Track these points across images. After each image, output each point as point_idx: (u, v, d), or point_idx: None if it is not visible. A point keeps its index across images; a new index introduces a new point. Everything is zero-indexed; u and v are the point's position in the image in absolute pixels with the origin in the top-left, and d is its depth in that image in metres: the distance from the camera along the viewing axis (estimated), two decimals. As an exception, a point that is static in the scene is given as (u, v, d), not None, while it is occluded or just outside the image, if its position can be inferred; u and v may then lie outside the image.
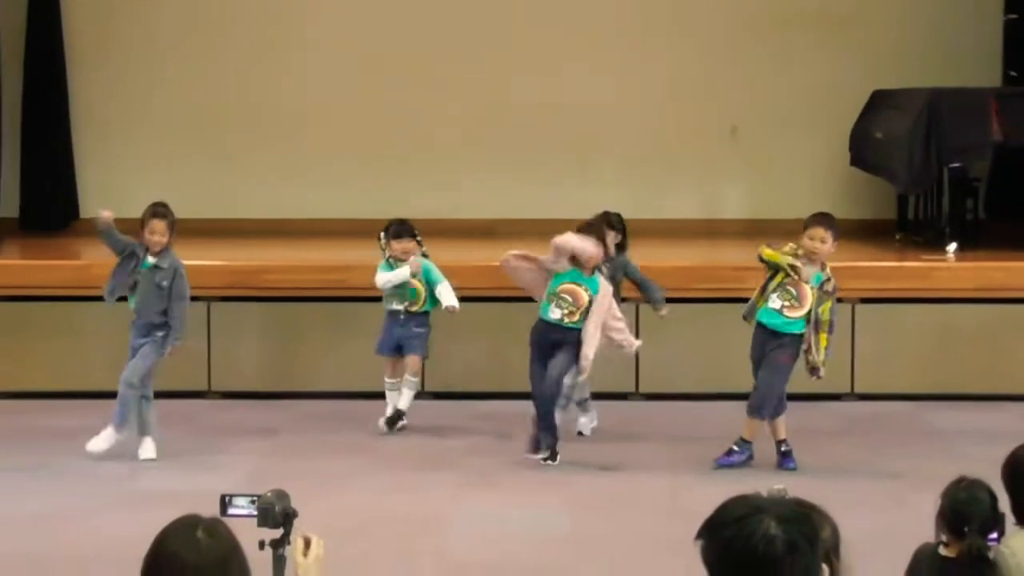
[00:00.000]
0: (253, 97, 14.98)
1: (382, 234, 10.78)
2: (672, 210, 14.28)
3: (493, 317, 11.56)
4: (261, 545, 4.31)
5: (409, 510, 8.62)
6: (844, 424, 10.70)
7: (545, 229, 14.10)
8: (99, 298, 11.50)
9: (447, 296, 10.49)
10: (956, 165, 12.95)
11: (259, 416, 10.95)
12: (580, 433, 10.32)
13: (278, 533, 4.50)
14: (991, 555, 4.75)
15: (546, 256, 9.63)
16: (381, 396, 10.97)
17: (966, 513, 4.79)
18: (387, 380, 10.69)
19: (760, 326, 9.39)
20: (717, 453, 9.58)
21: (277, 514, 4.54)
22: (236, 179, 14.86)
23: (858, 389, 11.32)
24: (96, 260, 12.49)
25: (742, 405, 10.40)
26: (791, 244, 9.43)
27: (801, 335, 9.25)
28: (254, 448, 9.77)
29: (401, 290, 10.56)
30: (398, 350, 10.62)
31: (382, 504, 8.77)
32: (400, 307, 10.58)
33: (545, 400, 9.45)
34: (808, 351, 9.24)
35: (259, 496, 4.56)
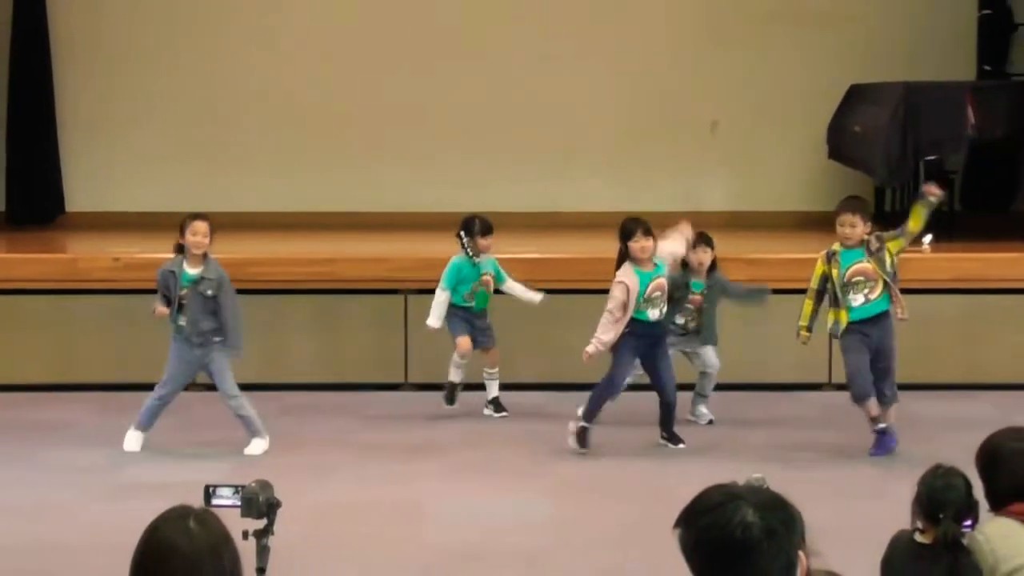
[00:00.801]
0: (238, 92, 15.01)
1: (461, 231, 10.75)
2: (653, 203, 14.32)
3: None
4: (245, 535, 4.30)
5: (392, 498, 8.68)
6: (822, 413, 10.77)
7: (527, 222, 14.28)
8: (87, 291, 11.61)
9: (528, 294, 10.72)
10: (932, 158, 13.03)
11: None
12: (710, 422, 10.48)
13: (262, 523, 4.53)
14: (965, 541, 4.80)
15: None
16: (364, 387, 11.05)
17: (941, 500, 4.83)
18: (460, 359, 10.70)
19: (855, 324, 9.46)
20: (700, 442, 9.71)
21: (261, 504, 4.55)
22: (221, 173, 14.89)
23: (836, 379, 11.38)
24: (82, 254, 12.57)
25: (725, 395, 10.53)
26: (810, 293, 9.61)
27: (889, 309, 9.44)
28: (239, 439, 9.83)
29: (479, 294, 10.67)
30: (471, 331, 10.71)
31: (366, 493, 8.82)
32: (471, 303, 10.67)
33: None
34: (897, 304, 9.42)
35: (243, 486, 4.58)
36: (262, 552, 4.52)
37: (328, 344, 11.64)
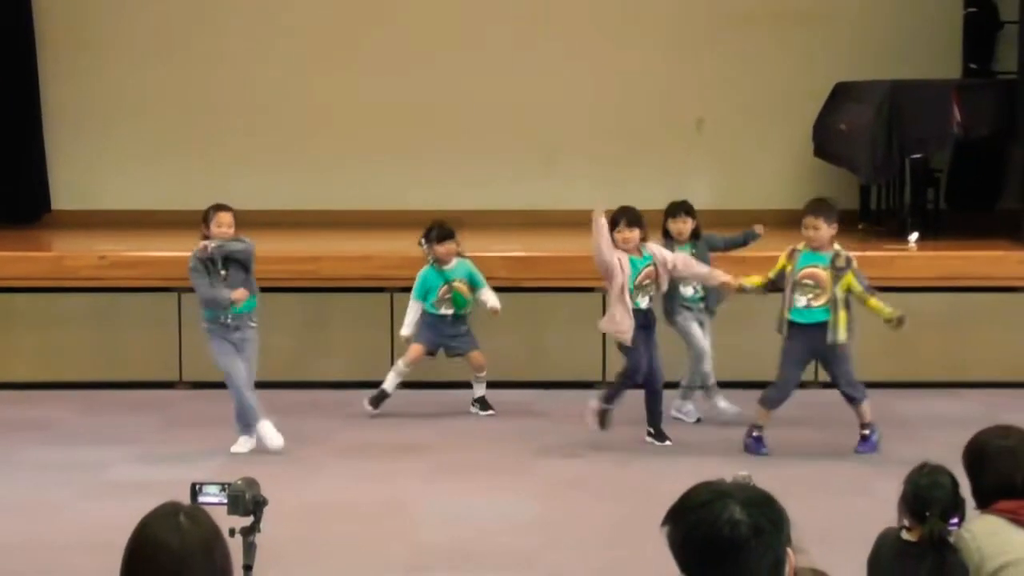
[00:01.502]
0: (224, 91, 14.99)
1: (422, 239, 10.79)
2: (639, 202, 14.24)
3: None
4: (232, 533, 4.27)
5: (378, 497, 8.69)
6: (808, 411, 10.78)
7: (514, 221, 14.28)
8: (73, 289, 11.61)
9: (492, 298, 10.68)
10: (917, 156, 13.07)
11: (230, 406, 10.98)
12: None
13: (248, 521, 4.54)
14: (952, 539, 4.83)
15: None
16: (351, 385, 11.05)
17: (928, 498, 4.85)
18: (402, 366, 10.72)
19: (793, 325, 9.49)
20: (686, 440, 9.73)
21: (247, 502, 4.56)
22: (206, 171, 14.86)
23: (822, 377, 11.42)
24: (69, 252, 12.55)
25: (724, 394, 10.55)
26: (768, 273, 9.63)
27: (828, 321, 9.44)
28: (225, 438, 9.83)
29: (457, 298, 10.66)
30: (437, 348, 10.73)
31: (352, 491, 8.84)
32: (449, 312, 10.67)
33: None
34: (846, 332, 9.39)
35: (229, 484, 4.59)
36: (248, 549, 4.54)
37: (313, 342, 11.63)
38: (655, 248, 9.87)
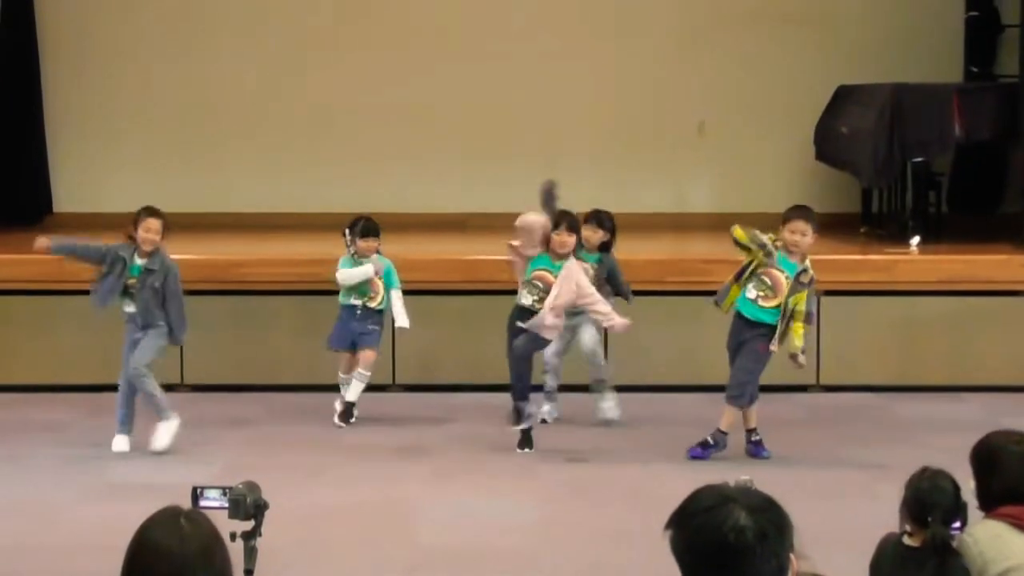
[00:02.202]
0: (226, 93, 15.01)
1: (347, 230, 10.80)
2: (641, 204, 14.35)
3: (465, 310, 11.65)
4: (233, 537, 4.20)
5: (379, 500, 8.69)
6: (809, 415, 10.79)
7: (514, 223, 14.24)
8: (74, 292, 11.57)
9: (400, 315, 10.58)
10: (919, 159, 13.08)
11: (231, 409, 11.00)
12: (545, 421, 10.43)
13: (249, 525, 4.52)
14: (954, 543, 4.82)
15: (518, 241, 9.75)
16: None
17: (929, 503, 4.85)
18: (341, 376, 10.74)
19: (737, 315, 9.46)
20: (687, 444, 9.70)
21: (248, 506, 4.55)
22: (208, 174, 14.88)
23: (823, 381, 11.43)
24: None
25: (711, 396, 10.51)
26: (770, 234, 9.46)
27: (775, 325, 9.33)
28: (227, 441, 9.82)
29: (361, 286, 10.63)
30: (352, 345, 10.70)
31: (353, 494, 8.83)
32: (359, 302, 10.64)
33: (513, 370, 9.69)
34: (780, 341, 9.31)
35: (230, 488, 4.58)
36: (250, 554, 4.53)
37: (315, 345, 11.62)
38: (568, 271, 9.59)
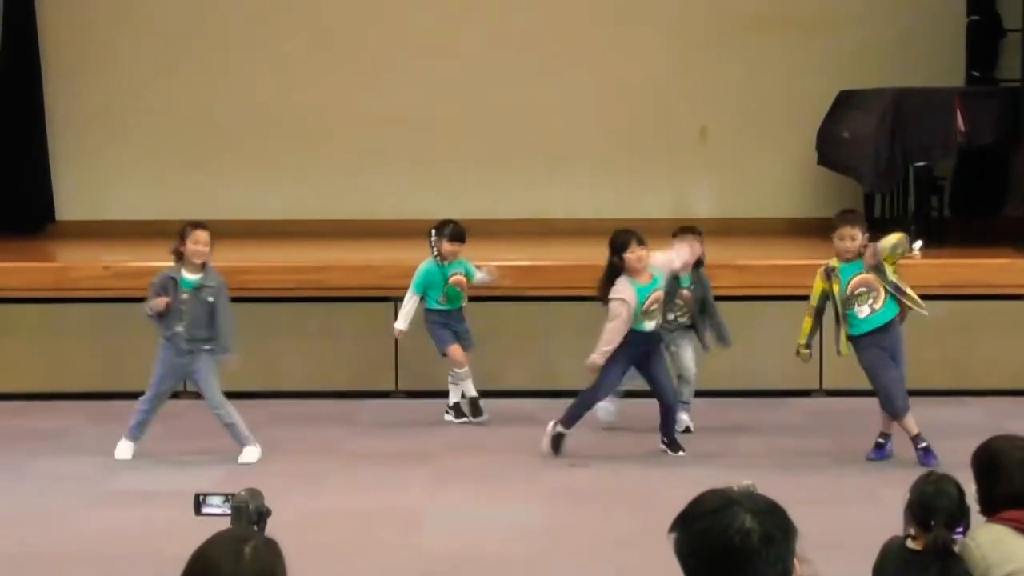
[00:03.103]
0: (228, 100, 15.02)
1: (433, 231, 10.81)
2: (643, 210, 14.35)
3: (468, 317, 11.63)
4: None
5: (384, 506, 8.69)
6: (813, 419, 10.79)
7: (518, 229, 14.29)
8: (76, 300, 11.62)
9: (483, 273, 10.78)
10: (921, 164, 13.07)
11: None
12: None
13: (252, 532, 4.55)
14: (957, 548, 4.82)
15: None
16: (354, 395, 11.04)
17: (933, 507, 4.84)
18: (456, 371, 10.76)
19: (870, 335, 9.45)
20: (691, 448, 9.72)
21: (251, 512, 4.53)
22: (212, 181, 14.89)
23: (827, 385, 11.42)
24: (72, 262, 12.58)
25: (715, 401, 10.54)
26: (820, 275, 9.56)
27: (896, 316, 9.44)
28: (229, 447, 9.83)
29: (452, 291, 10.68)
30: (456, 339, 10.76)
31: (357, 501, 8.83)
32: (448, 307, 10.70)
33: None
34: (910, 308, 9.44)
35: (232, 494, 4.58)
36: (253, 561, 4.51)
37: (318, 352, 11.64)
38: (659, 260, 9.71)
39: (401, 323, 10.71)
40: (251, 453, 9.65)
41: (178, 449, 9.93)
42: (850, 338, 9.46)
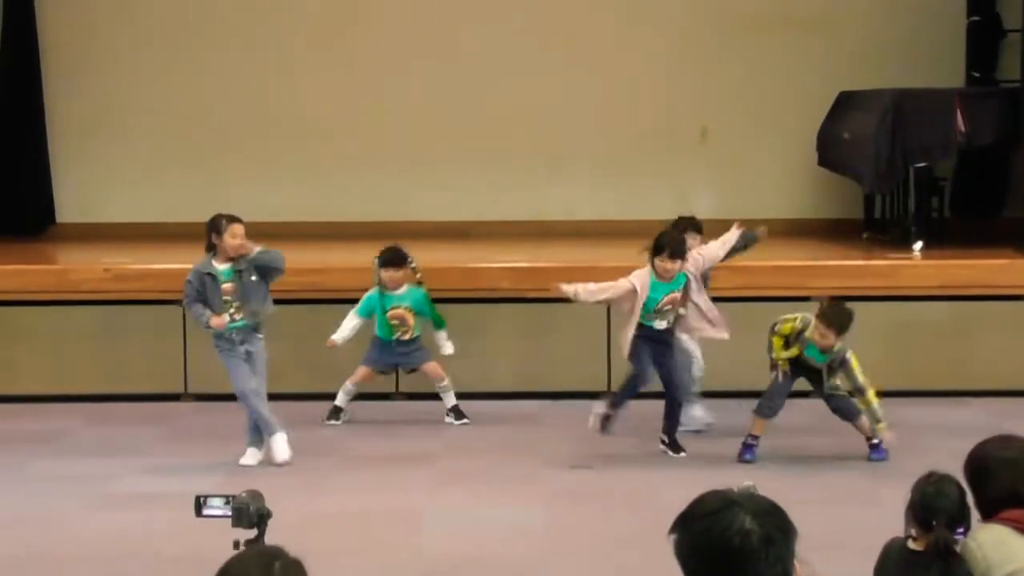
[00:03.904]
0: (229, 101, 15.01)
1: (376, 259, 10.82)
2: (643, 211, 14.34)
3: (468, 318, 11.64)
4: (236, 545, 4.30)
5: (384, 507, 8.69)
6: (814, 420, 10.76)
7: (519, 230, 14.28)
8: (77, 302, 11.62)
9: (447, 346, 10.77)
10: (921, 164, 13.07)
11: (234, 418, 10.98)
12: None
13: (252, 533, 4.51)
14: (958, 548, 4.83)
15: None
16: (356, 396, 11.03)
17: (934, 507, 4.85)
18: (349, 385, 10.85)
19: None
20: (691, 449, 9.73)
21: (252, 514, 4.54)
22: (211, 183, 14.87)
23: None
24: (73, 265, 12.57)
25: (716, 402, 10.54)
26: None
27: None
28: (230, 449, 9.83)
29: (386, 325, 10.72)
30: (388, 369, 10.80)
31: (357, 502, 8.84)
32: (392, 338, 10.71)
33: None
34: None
35: (233, 496, 4.58)
36: (253, 561, 4.51)
37: (318, 354, 11.62)
38: (690, 263, 9.79)
39: (336, 335, 10.74)
40: (281, 448, 9.61)
41: (179, 451, 9.93)
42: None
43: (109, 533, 8.09)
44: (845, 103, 14.20)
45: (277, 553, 3.27)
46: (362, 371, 10.87)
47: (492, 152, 14.95)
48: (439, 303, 11.09)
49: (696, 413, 10.45)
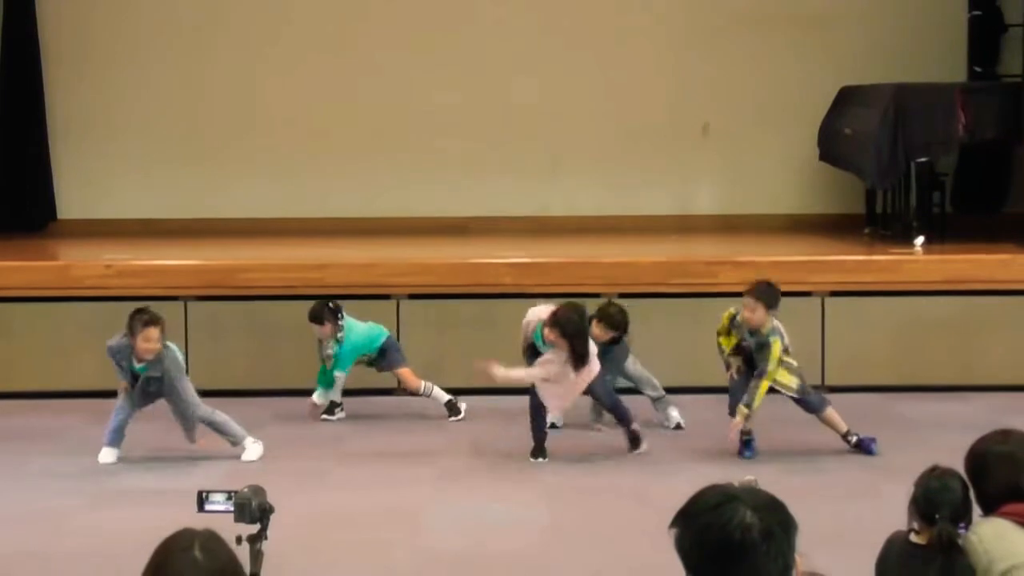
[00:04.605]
0: (229, 98, 15.04)
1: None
2: (646, 206, 14.38)
3: (469, 313, 11.65)
4: (239, 540, 4.28)
5: (385, 504, 8.69)
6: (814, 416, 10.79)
7: (518, 227, 14.29)
8: (77, 299, 11.61)
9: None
10: (923, 160, 13.08)
11: (237, 414, 10.98)
12: (678, 426, 10.50)
13: (255, 528, 4.52)
14: (960, 542, 4.84)
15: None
16: (358, 393, 11.05)
17: (938, 501, 4.86)
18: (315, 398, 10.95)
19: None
20: (691, 445, 9.72)
21: (254, 509, 4.55)
22: (212, 179, 14.91)
23: (828, 381, 11.42)
24: (74, 261, 12.57)
25: (715, 398, 10.52)
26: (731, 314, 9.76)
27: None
28: (231, 446, 9.82)
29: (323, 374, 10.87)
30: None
31: (358, 498, 8.83)
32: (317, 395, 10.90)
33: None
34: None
35: (235, 492, 4.59)
36: (255, 557, 4.53)
37: (317, 349, 11.63)
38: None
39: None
40: (254, 449, 9.65)
41: (180, 447, 9.92)
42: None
43: (110, 529, 8.09)
44: (847, 99, 14.21)
45: (192, 537, 3.24)
46: (403, 372, 10.94)
47: (496, 148, 14.95)
48: (440, 299, 11.07)
49: (672, 413, 10.50)
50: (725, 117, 14.99)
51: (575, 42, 15.05)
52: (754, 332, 9.56)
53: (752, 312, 9.52)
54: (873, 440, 9.66)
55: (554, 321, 9.46)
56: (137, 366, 9.56)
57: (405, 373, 10.94)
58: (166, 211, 14.54)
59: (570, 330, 9.40)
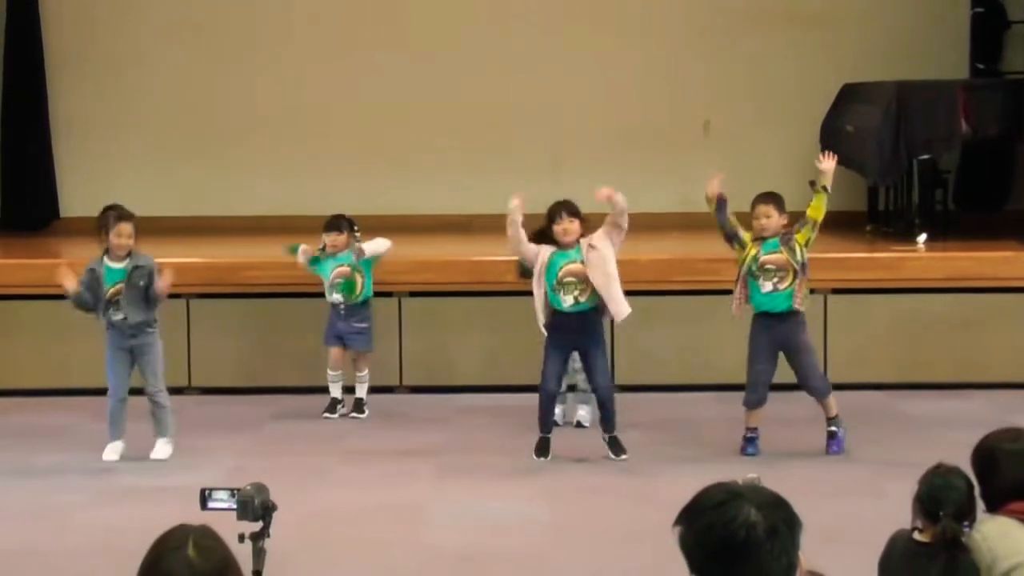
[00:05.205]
0: (231, 96, 15.03)
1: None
2: (647, 204, 14.32)
3: (471, 311, 11.65)
4: (241, 538, 4.31)
5: (388, 501, 8.69)
6: (818, 413, 10.77)
7: (522, 224, 14.24)
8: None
9: (370, 245, 10.89)
10: (925, 157, 13.07)
11: (239, 411, 11.02)
12: (579, 424, 10.43)
13: (258, 526, 4.53)
14: (964, 539, 4.84)
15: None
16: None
17: (941, 498, 4.85)
18: (329, 372, 10.90)
19: (763, 315, 9.52)
20: (693, 443, 9.72)
21: (256, 507, 4.55)
22: (214, 177, 14.91)
23: (831, 378, 11.39)
24: (78, 259, 12.51)
25: (718, 395, 10.54)
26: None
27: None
28: (234, 443, 9.82)
29: (344, 283, 10.69)
30: (340, 341, 10.79)
31: (361, 496, 8.84)
32: (340, 299, 10.73)
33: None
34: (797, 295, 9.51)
35: (238, 489, 4.59)
36: (258, 555, 4.53)
37: (321, 347, 11.62)
38: (592, 239, 9.52)
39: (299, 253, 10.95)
40: (163, 449, 9.64)
41: (183, 444, 9.92)
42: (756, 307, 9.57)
43: (113, 527, 8.09)
44: (849, 96, 14.20)
45: (186, 536, 3.18)
46: (331, 352, 10.92)
47: (494, 145, 14.95)
48: (442, 296, 11.06)
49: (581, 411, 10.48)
50: (726, 116, 14.99)
51: (576, 39, 15.04)
52: (774, 236, 9.50)
53: (768, 218, 9.54)
54: (841, 443, 9.61)
55: (570, 209, 9.51)
56: (115, 267, 9.53)
57: (367, 355, 10.91)
58: (168, 209, 14.52)
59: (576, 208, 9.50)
